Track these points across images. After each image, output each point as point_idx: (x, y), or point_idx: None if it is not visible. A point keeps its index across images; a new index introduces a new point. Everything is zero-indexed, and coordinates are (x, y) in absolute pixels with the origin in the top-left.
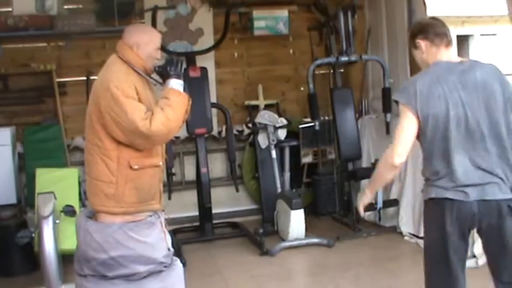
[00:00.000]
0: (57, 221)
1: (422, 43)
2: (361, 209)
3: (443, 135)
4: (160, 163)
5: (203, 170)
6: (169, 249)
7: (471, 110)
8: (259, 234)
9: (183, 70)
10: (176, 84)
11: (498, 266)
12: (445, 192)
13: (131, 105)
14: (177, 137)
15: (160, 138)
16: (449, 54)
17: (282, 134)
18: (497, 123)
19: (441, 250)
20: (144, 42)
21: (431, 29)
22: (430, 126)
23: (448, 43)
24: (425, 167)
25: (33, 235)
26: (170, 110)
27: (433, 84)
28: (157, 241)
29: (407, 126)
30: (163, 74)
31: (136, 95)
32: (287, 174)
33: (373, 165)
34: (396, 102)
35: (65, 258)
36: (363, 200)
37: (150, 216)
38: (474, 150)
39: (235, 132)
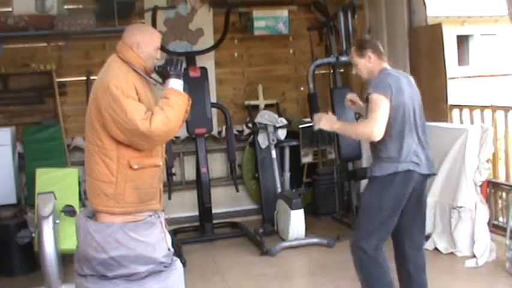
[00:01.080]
0: (57, 221)
1: (372, 55)
2: (316, 121)
3: (410, 122)
4: (160, 163)
5: (203, 169)
6: (169, 249)
7: (415, 105)
8: (259, 234)
9: (183, 70)
10: (176, 84)
11: (412, 225)
12: (411, 165)
13: (131, 105)
14: (177, 137)
15: (160, 138)
16: (388, 66)
17: (282, 134)
18: (421, 118)
19: (391, 214)
20: (144, 42)
21: (378, 46)
22: (400, 113)
23: (385, 60)
24: (393, 147)
25: (33, 235)
26: (170, 110)
27: (397, 82)
28: (157, 241)
29: (386, 111)
30: (163, 74)
31: (136, 95)
32: (287, 174)
33: None
34: (369, 95)
35: (65, 258)
36: (327, 122)
37: (150, 216)
38: (418, 135)
39: (235, 132)
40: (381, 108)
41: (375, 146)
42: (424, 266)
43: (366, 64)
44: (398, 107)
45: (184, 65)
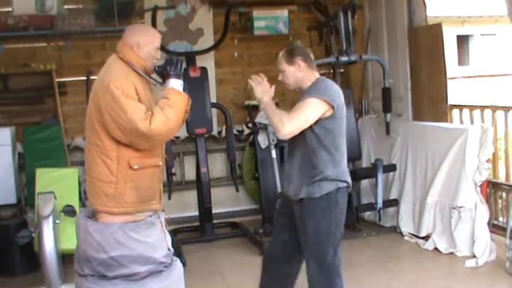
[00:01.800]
0: (57, 221)
1: (302, 63)
2: (254, 83)
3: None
4: (160, 163)
5: (203, 169)
6: (169, 249)
7: None
8: (259, 234)
9: (183, 70)
10: (176, 84)
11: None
12: (346, 184)
13: (131, 105)
14: (177, 137)
15: (160, 138)
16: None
17: None
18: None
19: (341, 230)
20: (144, 42)
21: (308, 55)
22: (343, 128)
23: (316, 69)
24: (330, 165)
25: (33, 235)
26: (170, 110)
27: (340, 93)
28: (157, 241)
29: (312, 118)
30: (163, 74)
31: (136, 95)
32: None
33: (373, 165)
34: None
35: (65, 258)
36: (262, 92)
37: (150, 216)
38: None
39: (235, 132)
40: (310, 112)
41: (308, 164)
42: None
43: (295, 72)
44: (342, 121)
45: (184, 65)
